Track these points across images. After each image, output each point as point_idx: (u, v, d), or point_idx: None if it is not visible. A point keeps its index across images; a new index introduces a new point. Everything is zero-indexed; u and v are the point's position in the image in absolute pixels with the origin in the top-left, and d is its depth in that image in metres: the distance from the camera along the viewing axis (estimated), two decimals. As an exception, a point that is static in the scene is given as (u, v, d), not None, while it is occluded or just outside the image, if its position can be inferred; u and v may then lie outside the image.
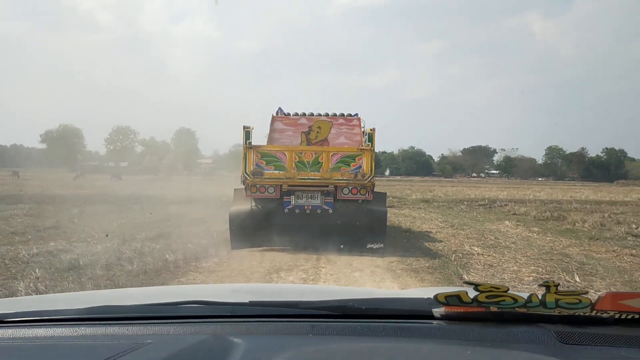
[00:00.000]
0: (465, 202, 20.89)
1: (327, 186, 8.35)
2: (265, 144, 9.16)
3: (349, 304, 1.43)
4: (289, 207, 8.48)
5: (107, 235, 9.58)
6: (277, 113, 9.85)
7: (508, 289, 1.27)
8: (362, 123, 9.60)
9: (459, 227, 12.17)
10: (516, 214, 16.18)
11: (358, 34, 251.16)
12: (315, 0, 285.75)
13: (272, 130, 9.53)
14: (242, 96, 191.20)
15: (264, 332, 1.32)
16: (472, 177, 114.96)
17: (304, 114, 9.73)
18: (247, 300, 1.51)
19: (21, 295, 4.92)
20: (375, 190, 8.76)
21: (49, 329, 1.39)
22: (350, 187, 8.36)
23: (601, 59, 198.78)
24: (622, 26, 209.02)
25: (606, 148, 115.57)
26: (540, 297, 1.25)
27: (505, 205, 19.73)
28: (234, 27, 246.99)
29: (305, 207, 8.46)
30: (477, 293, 1.27)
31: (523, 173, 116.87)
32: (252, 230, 8.48)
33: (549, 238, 10.61)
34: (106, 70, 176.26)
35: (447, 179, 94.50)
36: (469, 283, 1.33)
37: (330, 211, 8.42)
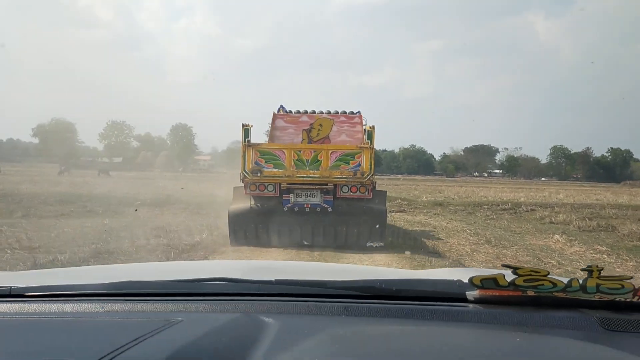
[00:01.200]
0: (485, 206, 18.02)
1: (327, 184, 8.22)
2: (266, 141, 9.06)
3: (378, 284, 1.36)
4: (288, 205, 8.32)
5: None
6: (278, 110, 9.64)
7: (548, 273, 1.19)
8: (363, 121, 9.39)
9: (498, 244, 9.34)
10: (554, 223, 13.36)
11: (356, 33, 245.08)
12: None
13: (274, 127, 9.35)
14: (241, 93, 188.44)
15: (295, 312, 1.28)
16: (474, 176, 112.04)
17: (306, 112, 9.57)
18: (272, 279, 1.43)
19: None
20: (377, 189, 8.85)
21: (75, 304, 1.34)
22: (349, 186, 8.23)
23: (606, 59, 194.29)
24: (626, 27, 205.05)
25: (611, 148, 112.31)
26: (580, 282, 1.18)
27: (533, 210, 16.93)
28: (233, 24, 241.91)
29: (305, 205, 8.31)
30: (514, 277, 1.20)
31: (527, 173, 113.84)
32: (251, 228, 8.32)
33: (630, 264, 7.75)
34: (103, 64, 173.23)
35: (450, 178, 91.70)
36: (508, 266, 1.24)
37: (330, 209, 8.28)
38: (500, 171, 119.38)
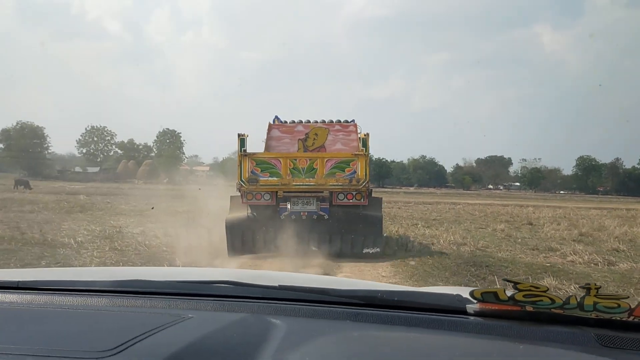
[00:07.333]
0: None
1: (322, 192, 8.51)
2: (263, 151, 9.33)
3: (379, 294, 1.39)
4: (285, 213, 8.57)
5: None
6: (273, 121, 9.84)
7: (547, 289, 1.21)
8: (358, 129, 9.67)
9: None
10: None
11: (364, 46, 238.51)
12: (322, 12, 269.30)
13: (269, 137, 9.57)
14: (247, 105, 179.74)
15: (301, 315, 1.31)
16: (489, 189, 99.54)
17: (301, 121, 9.80)
18: (276, 284, 1.46)
19: None
20: (372, 195, 9.33)
21: (85, 298, 1.39)
22: (345, 193, 8.49)
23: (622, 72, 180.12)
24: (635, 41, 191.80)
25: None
26: (578, 300, 1.20)
27: None
28: (240, 38, 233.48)
29: (301, 213, 8.52)
30: (514, 291, 1.22)
31: (550, 185, 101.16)
32: (248, 237, 8.56)
33: None
34: (105, 76, 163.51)
35: (467, 192, 79.30)
36: (509, 281, 1.27)
37: (326, 217, 8.52)
38: (519, 184, 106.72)
